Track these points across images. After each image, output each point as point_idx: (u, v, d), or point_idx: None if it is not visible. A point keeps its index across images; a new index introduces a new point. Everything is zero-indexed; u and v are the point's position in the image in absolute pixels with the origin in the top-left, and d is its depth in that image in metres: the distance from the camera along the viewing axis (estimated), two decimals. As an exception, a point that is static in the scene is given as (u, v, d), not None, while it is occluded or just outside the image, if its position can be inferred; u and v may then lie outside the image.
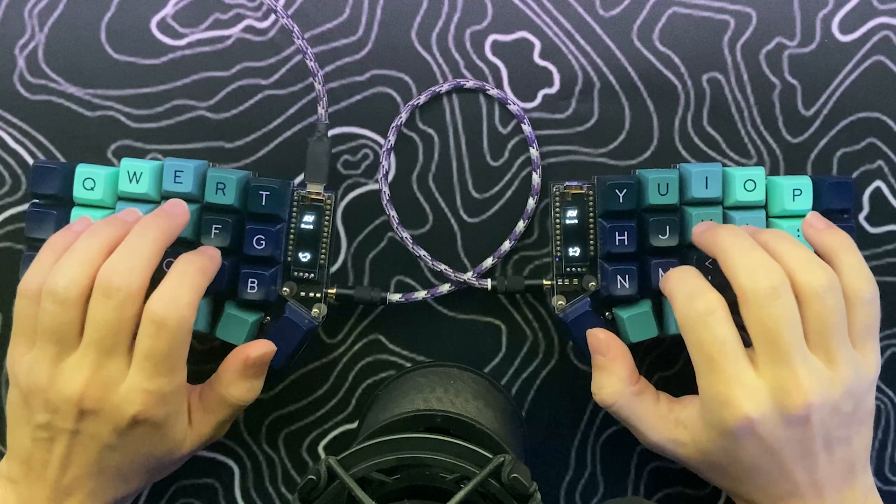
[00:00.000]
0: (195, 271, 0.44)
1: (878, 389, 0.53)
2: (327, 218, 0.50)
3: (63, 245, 0.45)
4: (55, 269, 0.43)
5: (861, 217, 0.52)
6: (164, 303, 0.43)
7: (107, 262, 0.43)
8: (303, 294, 0.50)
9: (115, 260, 0.43)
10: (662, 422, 0.46)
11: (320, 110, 0.50)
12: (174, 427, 0.45)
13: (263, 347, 0.48)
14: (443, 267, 0.51)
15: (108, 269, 0.43)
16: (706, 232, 0.46)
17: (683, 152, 0.52)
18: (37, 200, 0.49)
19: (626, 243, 0.48)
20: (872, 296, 0.45)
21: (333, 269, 0.52)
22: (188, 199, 0.48)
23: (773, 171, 0.52)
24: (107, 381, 0.43)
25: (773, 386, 0.42)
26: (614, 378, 0.47)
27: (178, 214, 0.46)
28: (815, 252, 0.46)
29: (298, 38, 0.50)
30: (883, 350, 0.53)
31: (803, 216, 0.48)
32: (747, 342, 0.43)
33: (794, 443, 0.42)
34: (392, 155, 0.52)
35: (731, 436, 0.43)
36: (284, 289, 0.49)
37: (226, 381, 0.47)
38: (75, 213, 0.48)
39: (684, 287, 0.44)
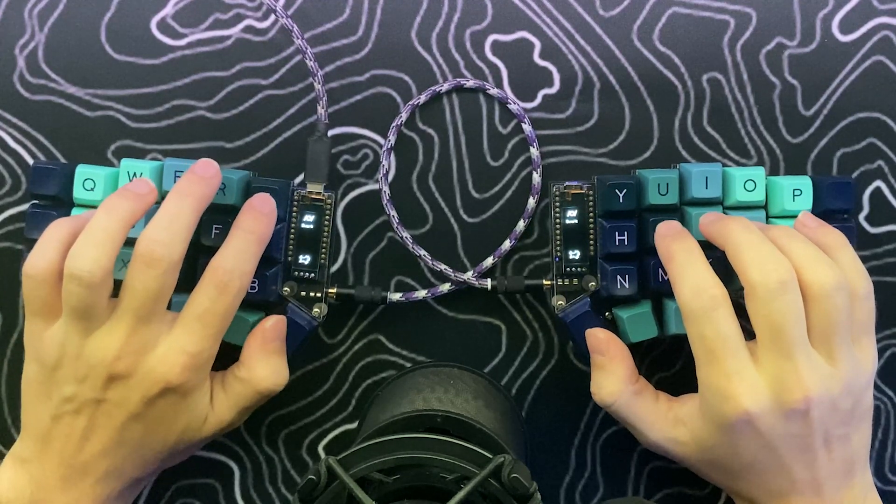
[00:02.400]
0: (256, 240, 0.46)
1: (878, 389, 0.53)
2: (327, 218, 0.50)
3: (69, 227, 0.45)
4: (76, 251, 0.43)
5: (861, 217, 0.52)
6: (229, 269, 0.44)
7: (147, 231, 0.43)
8: (303, 294, 0.50)
9: (154, 230, 0.43)
10: (662, 421, 0.46)
11: (320, 110, 0.50)
12: (197, 401, 0.45)
13: (274, 317, 0.48)
14: (443, 267, 0.51)
15: (149, 240, 0.43)
16: (716, 223, 0.46)
17: (683, 152, 0.52)
18: (36, 201, 0.49)
19: (626, 243, 0.48)
20: (868, 292, 0.45)
21: (333, 268, 0.52)
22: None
23: (773, 171, 0.52)
24: (142, 345, 0.43)
25: (774, 380, 0.42)
26: (614, 378, 0.47)
27: (211, 177, 0.46)
28: None
29: (298, 38, 0.50)
30: (883, 350, 0.53)
31: (803, 216, 0.48)
32: (748, 333, 0.43)
33: (793, 438, 0.43)
34: (392, 155, 0.52)
35: (730, 430, 0.43)
36: (285, 288, 0.49)
37: (251, 363, 0.47)
38: (75, 213, 0.48)
39: (690, 278, 0.44)
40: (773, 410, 0.42)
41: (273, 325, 0.48)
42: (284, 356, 0.48)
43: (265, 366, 0.47)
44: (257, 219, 0.46)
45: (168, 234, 0.43)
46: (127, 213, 0.44)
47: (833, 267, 0.43)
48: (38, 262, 0.44)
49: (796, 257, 0.43)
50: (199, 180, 0.45)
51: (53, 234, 0.45)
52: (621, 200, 0.48)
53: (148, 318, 0.43)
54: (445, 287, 0.51)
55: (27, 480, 0.44)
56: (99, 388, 0.43)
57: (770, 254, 0.43)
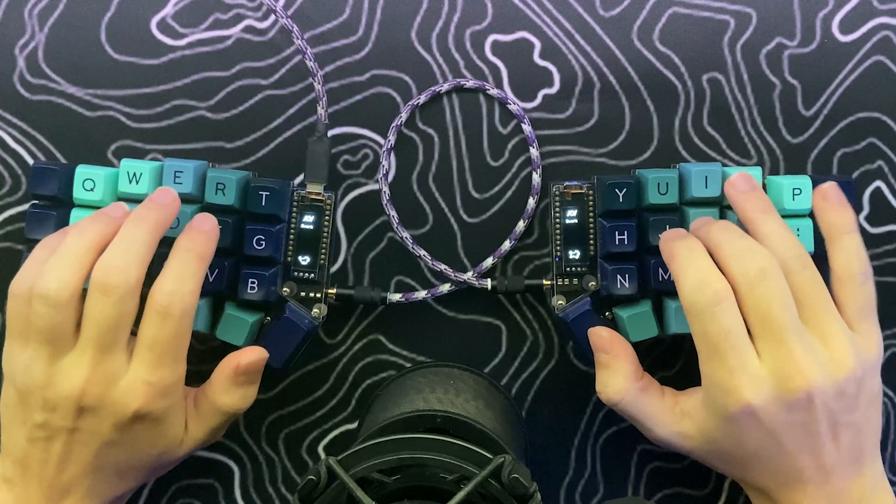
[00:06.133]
0: (195, 257, 0.44)
1: (878, 389, 0.53)
2: (327, 218, 0.50)
3: (57, 245, 0.45)
4: (44, 271, 0.43)
5: (861, 217, 0.52)
6: (168, 292, 0.43)
7: (102, 258, 0.43)
8: (303, 294, 0.50)
9: (110, 256, 0.43)
10: (668, 415, 0.46)
11: (320, 110, 0.50)
12: (173, 423, 0.45)
13: (255, 354, 0.47)
14: (443, 267, 0.51)
15: (104, 267, 0.42)
16: (700, 228, 0.46)
17: (683, 152, 0.52)
18: (36, 201, 0.49)
19: (625, 243, 0.48)
20: (864, 276, 0.45)
21: (333, 269, 0.52)
22: (188, 199, 0.48)
23: (773, 171, 0.52)
24: (107, 377, 0.43)
25: (775, 371, 0.42)
26: (619, 375, 0.47)
27: (168, 204, 0.45)
28: (819, 225, 0.47)
29: (298, 39, 0.50)
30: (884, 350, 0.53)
31: (803, 216, 0.48)
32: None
33: (798, 427, 0.43)
34: (392, 155, 0.52)
35: (733, 422, 0.43)
36: (284, 289, 0.49)
37: (218, 389, 0.47)
38: (75, 214, 0.48)
39: (693, 273, 0.43)
40: (776, 401, 0.42)
41: (249, 364, 0.47)
42: (255, 385, 0.48)
43: (233, 394, 0.47)
44: (194, 237, 0.45)
45: (123, 261, 0.42)
46: (97, 235, 0.44)
47: (799, 247, 0.44)
48: (24, 280, 0.44)
49: (763, 235, 0.44)
50: (156, 206, 0.45)
51: (41, 254, 0.44)
52: (621, 200, 0.48)
53: (110, 347, 0.43)
54: (445, 287, 0.51)
55: (12, 500, 0.44)
56: (70, 417, 0.43)
57: (748, 245, 0.43)
